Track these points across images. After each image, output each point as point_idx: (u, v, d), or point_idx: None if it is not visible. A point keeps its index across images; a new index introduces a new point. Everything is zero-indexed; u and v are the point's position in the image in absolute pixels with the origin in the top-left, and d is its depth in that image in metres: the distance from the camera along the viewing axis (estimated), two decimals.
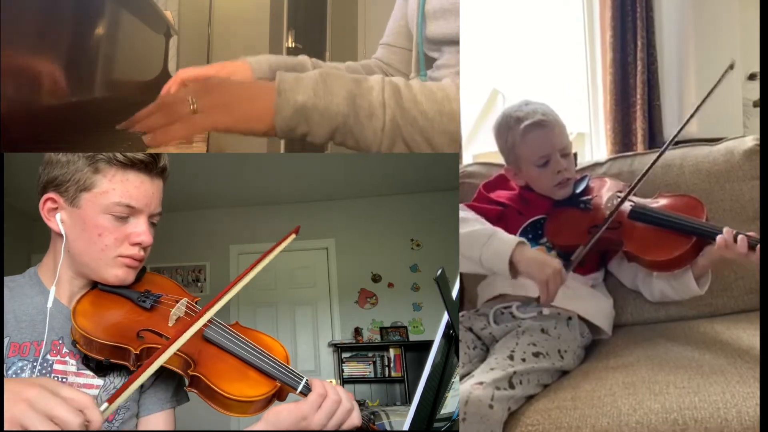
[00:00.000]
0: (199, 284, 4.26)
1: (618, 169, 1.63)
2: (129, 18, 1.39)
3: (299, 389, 0.86)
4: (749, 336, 1.24)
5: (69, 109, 1.04)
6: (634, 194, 1.37)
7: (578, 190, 1.46)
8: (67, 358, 0.87)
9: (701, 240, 1.28)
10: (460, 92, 0.91)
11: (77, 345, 0.85)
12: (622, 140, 2.59)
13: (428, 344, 0.82)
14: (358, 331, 4.16)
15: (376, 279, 4.27)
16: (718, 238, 1.22)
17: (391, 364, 4.05)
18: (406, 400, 3.90)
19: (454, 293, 0.85)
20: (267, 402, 0.86)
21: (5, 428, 0.59)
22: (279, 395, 0.88)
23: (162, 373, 0.90)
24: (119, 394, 0.72)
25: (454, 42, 1.16)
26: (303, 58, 1.33)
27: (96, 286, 0.91)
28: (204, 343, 0.88)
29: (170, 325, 0.89)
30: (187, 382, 0.85)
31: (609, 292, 1.47)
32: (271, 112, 0.84)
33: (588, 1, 2.79)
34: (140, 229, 0.88)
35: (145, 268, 0.96)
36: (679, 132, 1.37)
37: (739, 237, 1.20)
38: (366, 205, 4.28)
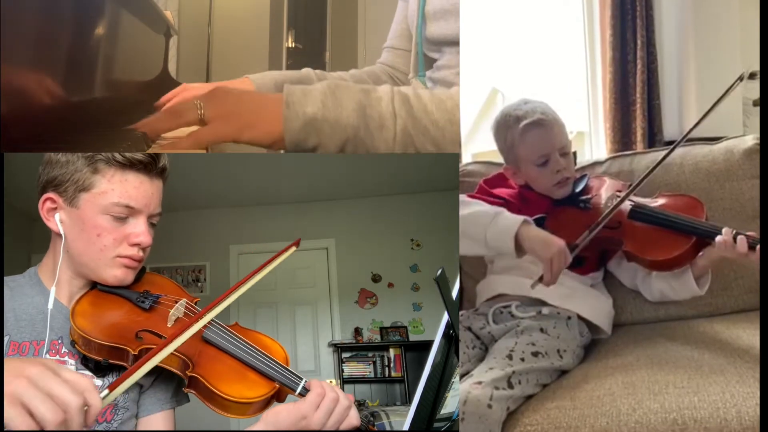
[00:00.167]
0: (199, 284, 4.26)
1: (617, 168, 1.63)
2: (129, 18, 1.39)
3: (298, 390, 0.86)
4: (749, 335, 1.24)
5: (69, 109, 1.04)
6: (634, 194, 1.37)
7: (577, 190, 1.46)
8: (66, 358, 0.87)
9: (701, 240, 1.28)
10: (460, 91, 0.92)
11: (76, 345, 0.85)
12: (622, 139, 2.59)
13: (428, 344, 0.81)
14: (358, 331, 4.16)
15: (376, 279, 4.27)
16: (718, 238, 1.22)
17: (391, 364, 4.05)
18: (406, 400, 3.90)
19: (454, 293, 0.85)
20: (266, 403, 0.86)
21: (5, 402, 0.58)
22: (278, 396, 0.88)
23: (161, 374, 0.91)
24: (120, 383, 0.71)
25: (454, 42, 1.16)
26: (307, 71, 1.32)
27: (95, 287, 0.91)
28: (203, 344, 0.88)
29: (169, 325, 0.89)
30: (185, 383, 0.85)
31: (608, 291, 1.47)
32: (279, 123, 0.84)
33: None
34: (139, 230, 0.88)
35: (145, 269, 0.96)
36: (681, 141, 1.37)
37: (739, 237, 1.20)
38: (366, 205, 4.28)
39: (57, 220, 0.88)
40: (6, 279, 0.90)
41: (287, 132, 0.83)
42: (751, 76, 2.58)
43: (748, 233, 1.21)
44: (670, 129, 2.60)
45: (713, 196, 1.51)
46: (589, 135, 2.79)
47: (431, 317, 4.14)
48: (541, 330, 1.26)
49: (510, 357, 1.16)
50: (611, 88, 2.58)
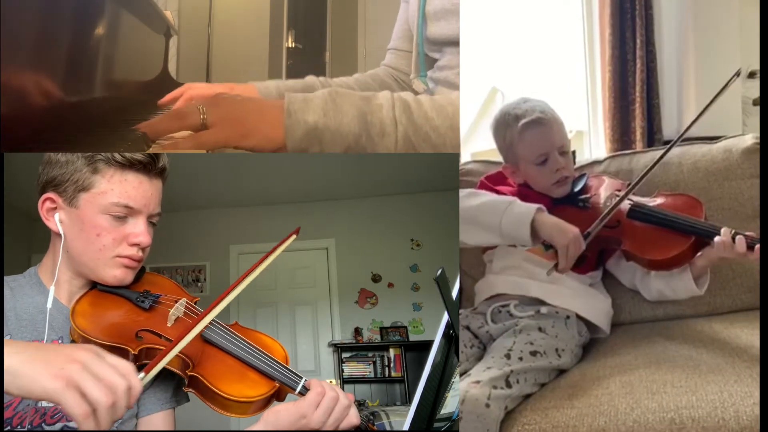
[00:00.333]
0: (199, 284, 4.27)
1: (617, 167, 1.63)
2: (129, 18, 1.39)
3: (298, 389, 0.87)
4: (747, 335, 1.24)
5: (69, 109, 1.04)
6: (633, 193, 1.37)
7: (576, 189, 1.46)
8: None
9: (700, 239, 1.28)
10: (459, 90, 0.92)
11: None
12: (621, 138, 2.59)
13: (428, 344, 0.82)
14: (358, 331, 4.16)
15: (376, 279, 4.27)
16: (717, 238, 1.22)
17: (391, 364, 4.05)
18: (406, 400, 3.90)
19: (454, 293, 0.85)
20: (266, 402, 0.86)
21: (53, 384, 0.60)
22: (278, 395, 0.88)
23: (161, 374, 0.91)
24: (152, 366, 0.75)
25: (454, 43, 1.16)
26: (312, 80, 1.33)
27: (95, 287, 0.92)
28: (203, 344, 0.89)
29: (169, 325, 0.89)
30: (185, 382, 0.85)
31: (607, 290, 1.47)
32: (281, 130, 0.84)
33: None
34: (138, 230, 0.89)
35: (145, 268, 0.96)
36: (678, 139, 1.37)
37: (738, 237, 1.20)
38: (366, 205, 4.28)
39: (56, 219, 0.88)
40: (6, 279, 0.90)
41: (289, 140, 0.84)
42: (751, 75, 2.58)
43: (747, 233, 1.21)
44: (669, 128, 2.60)
45: (712, 195, 1.51)
46: (588, 134, 2.79)
47: (431, 317, 4.14)
48: (540, 329, 1.26)
49: (508, 356, 1.16)
50: (610, 87, 2.58)
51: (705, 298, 1.39)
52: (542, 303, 1.34)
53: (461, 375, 1.14)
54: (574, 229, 1.23)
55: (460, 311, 1.41)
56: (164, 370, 0.83)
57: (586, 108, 2.79)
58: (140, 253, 0.90)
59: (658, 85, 2.59)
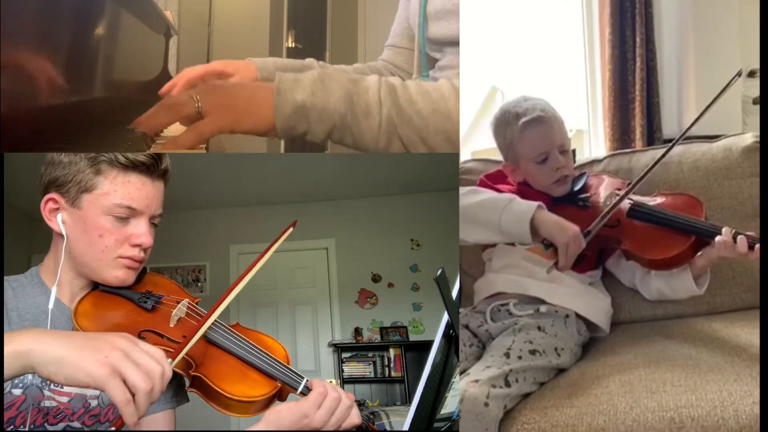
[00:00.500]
0: (199, 284, 4.27)
1: (616, 165, 1.64)
2: (129, 18, 1.39)
3: (300, 389, 0.87)
4: (747, 334, 1.24)
5: (69, 109, 1.04)
6: (633, 192, 1.37)
7: (576, 188, 1.46)
8: None
9: (700, 239, 1.28)
10: (459, 89, 0.92)
11: None
12: (621, 137, 2.59)
13: (428, 344, 0.82)
14: (358, 331, 4.16)
15: (376, 279, 4.27)
16: (718, 238, 1.22)
17: (391, 364, 4.05)
18: (406, 400, 3.90)
19: (454, 293, 0.85)
20: (268, 402, 0.87)
21: (99, 371, 0.63)
22: (280, 395, 0.89)
23: None
24: (178, 353, 0.78)
25: (455, 43, 1.17)
26: (310, 61, 1.34)
27: (97, 287, 0.92)
28: (206, 344, 0.89)
29: (171, 325, 0.89)
30: (188, 382, 0.85)
31: (607, 289, 1.47)
32: (272, 111, 0.86)
33: None
34: (141, 231, 0.89)
35: (146, 269, 0.96)
36: (678, 139, 1.37)
37: (739, 237, 1.20)
38: (366, 205, 4.28)
39: (59, 220, 0.88)
40: (8, 279, 0.91)
41: (278, 118, 0.87)
42: (751, 74, 2.58)
43: (748, 233, 1.21)
44: (669, 127, 2.60)
45: (712, 194, 1.51)
46: (588, 133, 2.79)
47: (431, 317, 4.14)
48: (539, 328, 1.26)
49: (507, 355, 1.16)
50: (610, 86, 2.58)
51: (705, 297, 1.39)
52: (542, 302, 1.34)
53: (460, 374, 1.14)
54: (574, 227, 1.24)
55: (460, 310, 1.41)
56: None
57: (586, 107, 2.79)
58: (142, 254, 0.91)
59: (658, 83, 2.59)
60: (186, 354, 0.84)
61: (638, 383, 1.08)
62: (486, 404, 1.03)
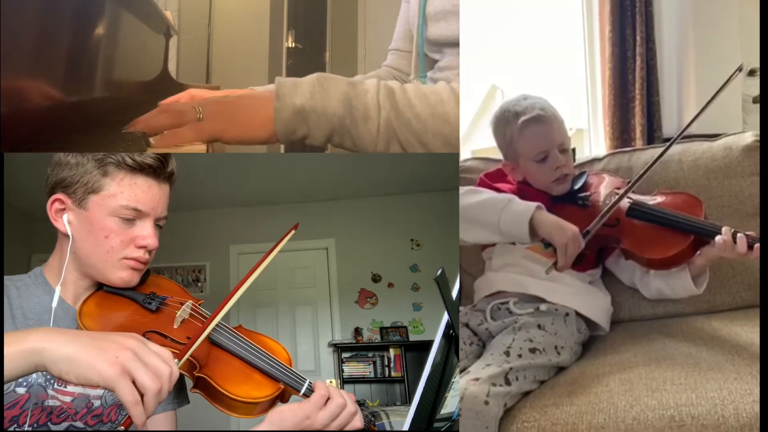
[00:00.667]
0: (199, 284, 4.27)
1: (616, 164, 1.64)
2: (129, 18, 1.39)
3: (302, 391, 0.88)
4: (747, 332, 1.24)
5: (69, 109, 1.04)
6: (633, 191, 1.37)
7: (576, 186, 1.46)
8: None
9: (699, 238, 1.28)
10: (458, 92, 0.93)
11: None
12: (621, 136, 2.59)
13: (428, 344, 0.82)
14: (358, 331, 4.16)
15: (376, 279, 4.27)
16: (717, 238, 1.22)
17: (391, 364, 4.05)
18: (406, 400, 3.90)
19: (454, 293, 0.85)
20: (271, 403, 0.87)
21: (109, 371, 0.63)
22: (282, 397, 0.89)
23: None
24: (185, 352, 0.79)
25: (455, 43, 1.17)
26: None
27: (101, 288, 0.92)
28: (209, 346, 0.89)
29: (175, 327, 0.89)
30: (192, 383, 0.86)
31: (607, 288, 1.47)
32: (272, 118, 0.88)
33: None
34: (146, 233, 0.89)
35: (149, 271, 0.96)
36: (678, 135, 1.37)
37: (739, 236, 1.20)
38: (366, 205, 4.28)
39: (65, 221, 0.88)
40: (12, 278, 0.91)
41: (278, 122, 0.88)
42: (751, 72, 2.58)
43: (748, 233, 1.21)
44: (669, 126, 2.60)
45: (712, 193, 1.51)
46: (588, 131, 2.80)
47: (431, 317, 4.14)
48: (539, 327, 1.26)
49: (507, 353, 1.16)
50: (610, 85, 2.58)
51: (705, 296, 1.39)
52: (542, 300, 1.34)
53: (460, 372, 1.14)
54: (573, 228, 1.24)
55: (460, 308, 1.41)
56: None
57: (585, 105, 2.80)
58: (147, 256, 0.91)
59: (658, 82, 2.59)
60: (190, 355, 0.84)
61: (638, 381, 1.08)
62: (486, 402, 1.03)
